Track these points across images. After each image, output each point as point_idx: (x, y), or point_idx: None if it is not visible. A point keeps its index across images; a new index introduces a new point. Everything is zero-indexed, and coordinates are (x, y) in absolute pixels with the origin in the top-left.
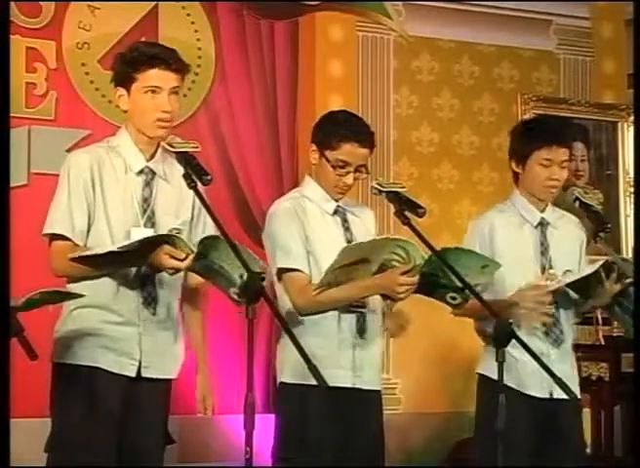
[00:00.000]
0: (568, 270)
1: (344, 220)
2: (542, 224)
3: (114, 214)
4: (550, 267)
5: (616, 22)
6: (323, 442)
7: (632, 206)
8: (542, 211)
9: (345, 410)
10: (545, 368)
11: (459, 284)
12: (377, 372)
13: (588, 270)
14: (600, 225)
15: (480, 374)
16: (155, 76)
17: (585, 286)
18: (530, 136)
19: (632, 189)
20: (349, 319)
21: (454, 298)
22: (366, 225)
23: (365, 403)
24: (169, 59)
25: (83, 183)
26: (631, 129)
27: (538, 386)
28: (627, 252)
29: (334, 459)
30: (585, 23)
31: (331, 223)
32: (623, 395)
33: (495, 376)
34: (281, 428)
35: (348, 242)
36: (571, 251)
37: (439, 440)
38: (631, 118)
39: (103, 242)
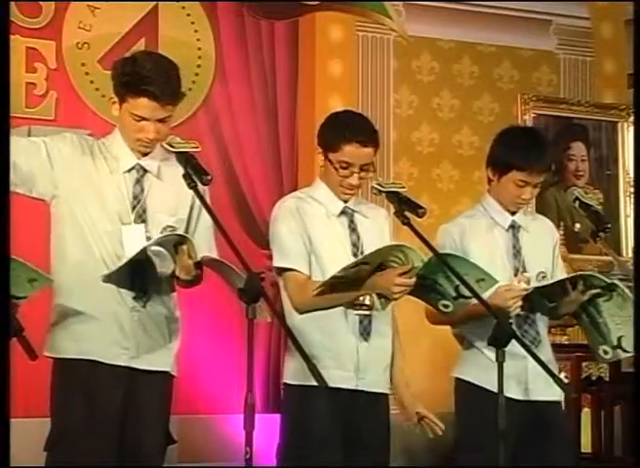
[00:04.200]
0: (541, 272)
1: (351, 221)
2: (514, 227)
3: (97, 211)
4: (524, 270)
5: (616, 22)
6: (328, 443)
7: (632, 206)
8: (513, 214)
9: (349, 412)
10: (544, 366)
11: (452, 292)
12: (382, 375)
13: (554, 279)
14: (600, 225)
15: (457, 378)
16: (143, 106)
17: (552, 292)
18: (512, 155)
19: (632, 189)
20: (353, 320)
21: (446, 306)
22: (377, 224)
23: (369, 405)
24: (160, 93)
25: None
26: (631, 129)
27: (514, 388)
28: (627, 252)
29: (341, 461)
30: (585, 23)
31: (336, 224)
32: (623, 395)
33: (471, 380)
34: (285, 429)
35: (354, 244)
36: (544, 252)
37: (440, 440)
38: (631, 118)
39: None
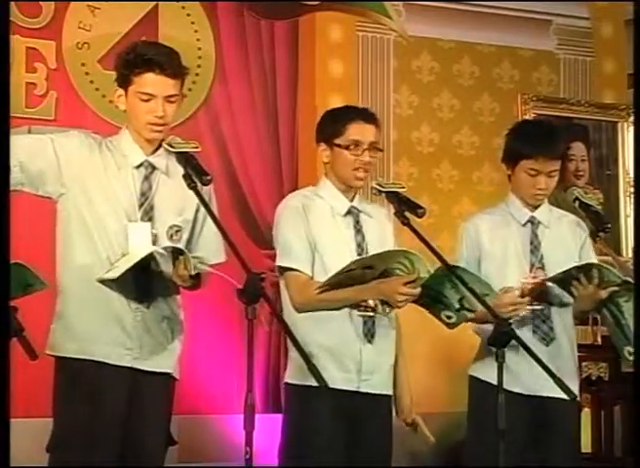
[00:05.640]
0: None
1: (357, 222)
2: (532, 223)
3: (104, 209)
4: (541, 265)
5: (616, 22)
6: (330, 443)
7: (632, 206)
8: (534, 210)
9: (352, 413)
10: (544, 367)
11: (456, 304)
12: (385, 377)
13: (563, 268)
14: (600, 225)
15: (471, 376)
16: (150, 81)
17: (568, 284)
18: (518, 144)
19: (632, 189)
20: (358, 322)
21: (449, 317)
22: (380, 224)
23: (372, 406)
24: (165, 64)
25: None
26: (631, 129)
27: (522, 384)
28: (627, 252)
29: (343, 461)
30: (585, 23)
31: (341, 224)
32: (623, 395)
33: (486, 378)
34: (287, 429)
35: (358, 244)
36: (567, 250)
37: (441, 440)
38: (631, 118)
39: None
